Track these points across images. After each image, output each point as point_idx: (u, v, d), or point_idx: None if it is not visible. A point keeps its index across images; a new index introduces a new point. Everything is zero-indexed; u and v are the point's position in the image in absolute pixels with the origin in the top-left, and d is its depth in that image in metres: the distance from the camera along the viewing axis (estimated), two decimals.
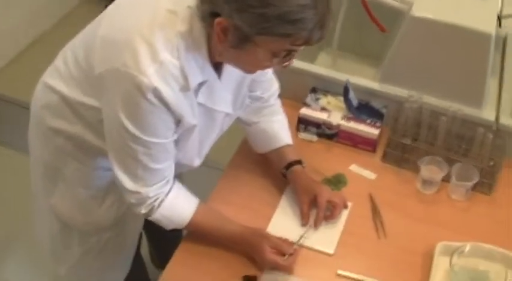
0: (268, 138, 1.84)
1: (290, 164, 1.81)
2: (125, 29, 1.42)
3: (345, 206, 1.80)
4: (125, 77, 1.37)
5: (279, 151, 1.84)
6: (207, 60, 1.46)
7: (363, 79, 2.03)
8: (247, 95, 1.74)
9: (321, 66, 2.15)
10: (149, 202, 1.56)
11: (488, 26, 1.79)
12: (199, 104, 1.51)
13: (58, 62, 1.65)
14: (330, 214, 1.76)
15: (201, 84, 1.47)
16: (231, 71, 1.56)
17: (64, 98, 1.60)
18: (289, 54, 1.40)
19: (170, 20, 1.40)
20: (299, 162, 1.82)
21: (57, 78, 1.62)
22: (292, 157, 1.82)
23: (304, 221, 1.75)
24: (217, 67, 1.52)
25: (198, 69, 1.44)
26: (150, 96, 1.37)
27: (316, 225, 1.74)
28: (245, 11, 1.28)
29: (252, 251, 1.64)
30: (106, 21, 1.50)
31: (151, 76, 1.36)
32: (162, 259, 2.49)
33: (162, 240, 2.28)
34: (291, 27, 1.30)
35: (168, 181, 1.58)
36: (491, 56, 1.83)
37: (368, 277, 1.64)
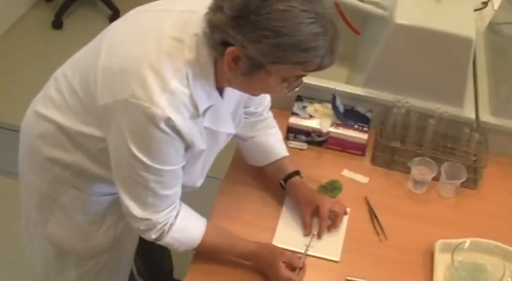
0: (265, 152, 1.87)
1: (289, 176, 1.85)
2: (130, 58, 1.41)
3: (345, 214, 1.85)
4: (135, 108, 1.37)
5: (277, 163, 1.87)
6: (214, 86, 1.47)
7: (348, 85, 2.09)
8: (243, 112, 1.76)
9: None
10: (159, 227, 1.56)
11: (469, 31, 1.87)
12: (205, 127, 1.52)
13: (50, 91, 1.62)
14: (331, 223, 1.81)
15: (206, 109, 1.49)
16: (231, 93, 1.57)
17: (61, 128, 1.58)
18: (298, 78, 1.43)
19: (177, 48, 1.40)
20: (297, 173, 1.86)
21: (52, 107, 1.60)
22: (290, 168, 1.85)
23: (307, 231, 1.79)
24: (219, 89, 1.53)
25: (205, 95, 1.45)
26: (163, 126, 1.38)
27: (320, 235, 1.79)
28: (259, 41, 1.30)
29: (266, 267, 1.67)
30: (106, 51, 1.48)
31: (164, 107, 1.36)
32: (149, 270, 2.52)
33: (149, 252, 2.29)
34: (304, 56, 1.32)
35: (176, 205, 1.59)
36: (472, 58, 1.91)
37: (375, 280, 1.70)
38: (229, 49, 1.34)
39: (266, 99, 1.86)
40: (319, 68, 1.38)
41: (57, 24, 4.13)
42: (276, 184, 1.87)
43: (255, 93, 1.56)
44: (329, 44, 1.33)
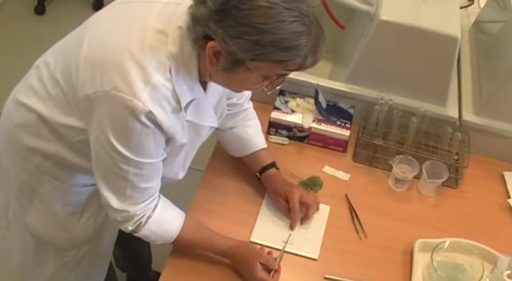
0: (243, 143, 1.86)
1: (264, 168, 1.84)
2: (112, 50, 1.39)
3: (318, 206, 1.83)
4: (117, 101, 1.35)
5: (254, 155, 1.86)
6: (197, 80, 1.45)
7: (331, 81, 2.07)
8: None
9: None
10: (136, 219, 1.55)
11: (454, 30, 1.85)
12: (187, 121, 1.50)
13: (32, 79, 1.60)
14: (303, 215, 1.80)
15: (189, 103, 1.47)
16: (214, 86, 1.56)
17: (42, 118, 1.56)
18: (280, 77, 1.41)
19: (160, 41, 1.38)
20: (273, 165, 1.85)
21: (33, 96, 1.57)
22: (266, 160, 1.85)
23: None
24: (203, 82, 1.51)
25: (188, 89, 1.44)
26: (144, 119, 1.36)
27: (292, 228, 1.78)
28: (240, 37, 1.28)
29: (242, 266, 1.65)
30: (88, 41, 1.45)
31: (145, 100, 1.34)
32: (127, 262, 2.50)
33: (128, 243, 2.27)
34: (285, 54, 1.30)
35: (154, 198, 1.58)
36: (456, 57, 1.90)
37: (354, 278, 1.69)
38: (210, 43, 1.32)
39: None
40: (301, 67, 1.35)
41: (40, 10, 4.07)
42: (255, 176, 1.86)
43: (236, 89, 1.55)
44: (312, 43, 1.31)
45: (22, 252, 1.86)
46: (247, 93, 1.85)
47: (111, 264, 2.17)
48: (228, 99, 1.75)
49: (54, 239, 1.78)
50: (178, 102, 1.41)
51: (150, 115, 1.36)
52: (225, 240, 1.67)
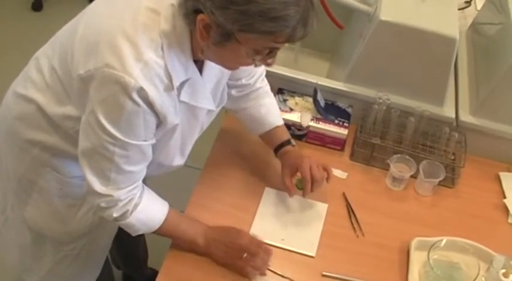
0: (257, 122, 1.87)
1: (280, 146, 1.86)
2: (105, 30, 1.39)
3: (328, 180, 1.82)
4: (109, 78, 1.35)
5: (269, 133, 1.88)
6: (190, 58, 1.46)
7: (329, 80, 2.08)
8: (227, 88, 1.74)
9: (282, 63, 2.16)
10: (121, 204, 1.53)
11: (453, 31, 1.87)
12: (182, 102, 1.50)
13: (31, 71, 1.61)
14: (303, 190, 1.79)
15: (183, 83, 1.47)
16: (211, 67, 1.56)
17: (40, 109, 1.56)
18: (271, 51, 1.41)
19: (153, 19, 1.39)
20: (288, 142, 1.87)
21: (32, 88, 1.58)
22: (281, 138, 1.87)
23: (289, 193, 1.80)
24: (199, 64, 1.52)
25: (182, 68, 1.44)
26: (135, 96, 1.36)
27: (304, 195, 1.78)
28: (227, 7, 1.28)
29: (227, 238, 1.66)
30: (84, 26, 1.46)
31: (137, 77, 1.34)
32: (122, 258, 2.50)
33: (123, 239, 2.27)
34: (273, 25, 1.30)
35: (138, 185, 1.57)
36: (454, 58, 1.92)
37: (351, 276, 1.70)
38: (200, 16, 1.33)
39: (257, 69, 1.84)
40: (290, 39, 1.35)
41: (37, 6, 4.08)
42: (254, 173, 1.90)
43: (228, 65, 1.53)
44: (301, 15, 1.31)
45: (20, 247, 1.86)
46: (258, 73, 1.84)
47: (108, 261, 2.17)
48: (237, 80, 1.77)
49: (52, 232, 1.78)
50: (170, 80, 1.42)
51: (141, 92, 1.36)
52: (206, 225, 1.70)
